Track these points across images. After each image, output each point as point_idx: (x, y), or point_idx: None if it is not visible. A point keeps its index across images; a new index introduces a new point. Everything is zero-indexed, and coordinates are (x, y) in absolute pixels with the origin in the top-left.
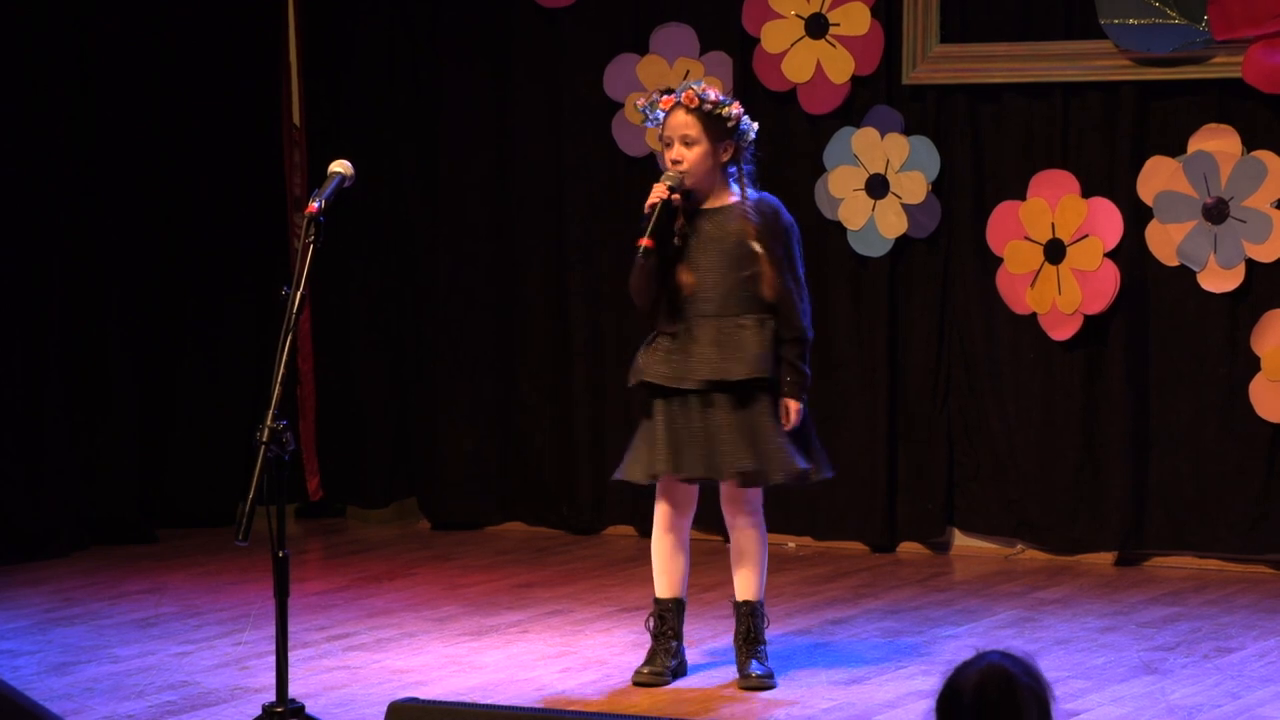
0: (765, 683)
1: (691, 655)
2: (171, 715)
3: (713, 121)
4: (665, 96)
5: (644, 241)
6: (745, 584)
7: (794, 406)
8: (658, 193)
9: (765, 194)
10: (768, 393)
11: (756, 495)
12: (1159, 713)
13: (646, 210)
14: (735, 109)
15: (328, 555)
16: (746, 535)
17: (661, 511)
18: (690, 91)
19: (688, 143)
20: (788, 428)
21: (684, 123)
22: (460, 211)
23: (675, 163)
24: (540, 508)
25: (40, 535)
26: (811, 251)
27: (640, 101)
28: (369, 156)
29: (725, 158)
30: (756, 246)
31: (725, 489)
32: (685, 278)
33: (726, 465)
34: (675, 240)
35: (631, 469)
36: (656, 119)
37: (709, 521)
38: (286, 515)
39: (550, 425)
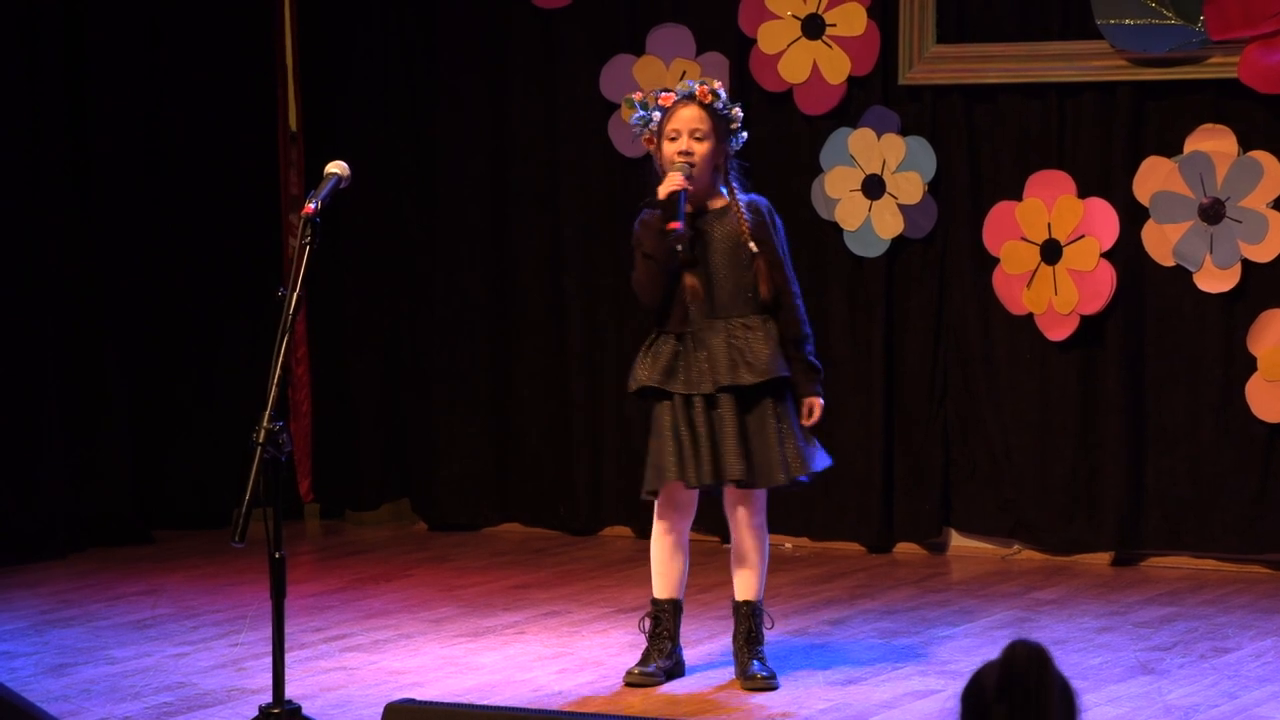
0: (769, 683)
1: (689, 656)
2: (168, 716)
3: (721, 121)
4: (665, 93)
5: (674, 224)
6: (745, 585)
7: (818, 403)
8: (675, 181)
9: (755, 195)
10: (774, 392)
11: (761, 497)
12: (1156, 713)
13: (664, 196)
14: (739, 112)
15: (324, 556)
16: (749, 536)
17: (661, 513)
18: (704, 87)
19: (698, 137)
20: (811, 424)
21: (696, 117)
22: (457, 212)
23: (685, 154)
24: (537, 509)
25: (37, 537)
26: (808, 252)
27: (637, 96)
28: (366, 158)
29: (720, 161)
30: (753, 246)
31: (729, 490)
32: (689, 280)
33: (729, 469)
34: (680, 249)
35: (653, 478)
36: (649, 117)
37: (708, 522)
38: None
39: (547, 426)
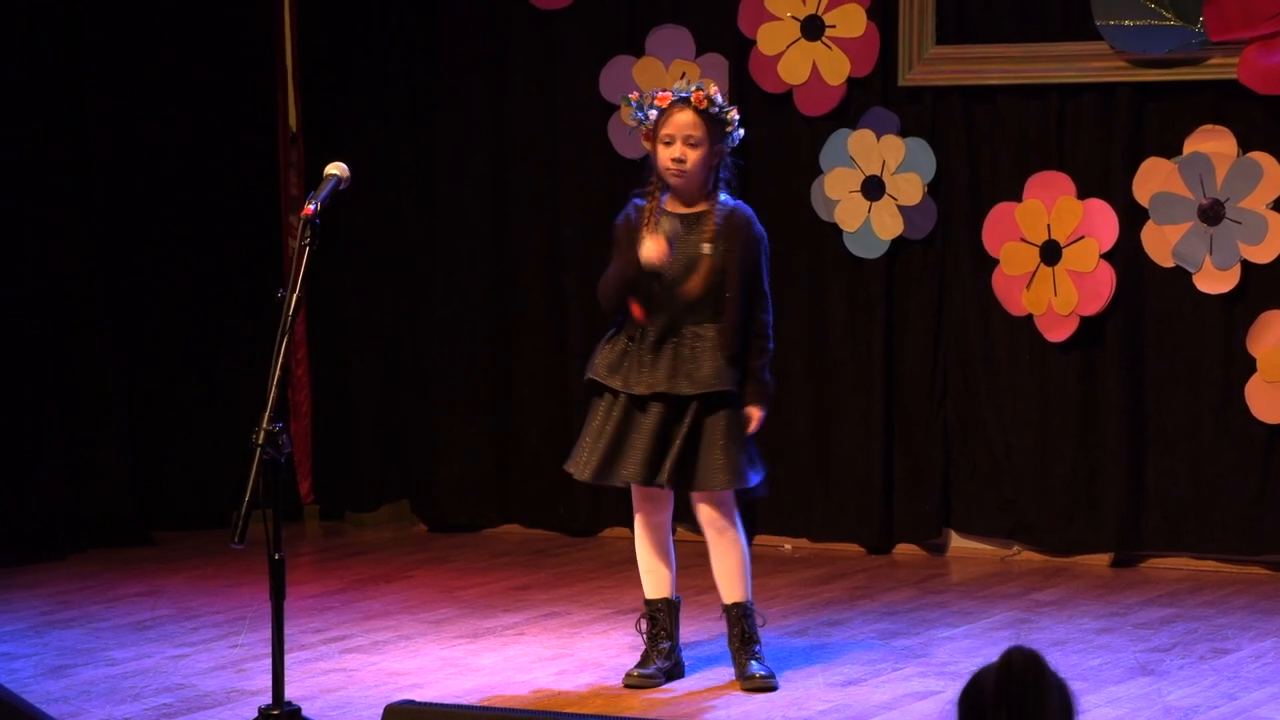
0: (768, 683)
1: (688, 656)
2: (168, 718)
3: (716, 125)
4: (661, 94)
5: (638, 314)
6: (729, 587)
7: (755, 413)
8: (657, 252)
9: (740, 203)
10: (712, 402)
11: (726, 499)
12: (1155, 714)
13: (644, 260)
14: (735, 114)
15: (324, 558)
16: (720, 537)
17: (639, 511)
18: (700, 92)
19: (692, 143)
20: (750, 431)
21: (691, 122)
22: (456, 213)
23: (678, 160)
24: (537, 509)
25: (37, 538)
26: (808, 253)
27: (634, 95)
28: (366, 158)
29: (715, 162)
30: (705, 248)
31: (693, 495)
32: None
33: (625, 470)
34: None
35: (573, 463)
36: (645, 117)
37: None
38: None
39: (547, 426)
